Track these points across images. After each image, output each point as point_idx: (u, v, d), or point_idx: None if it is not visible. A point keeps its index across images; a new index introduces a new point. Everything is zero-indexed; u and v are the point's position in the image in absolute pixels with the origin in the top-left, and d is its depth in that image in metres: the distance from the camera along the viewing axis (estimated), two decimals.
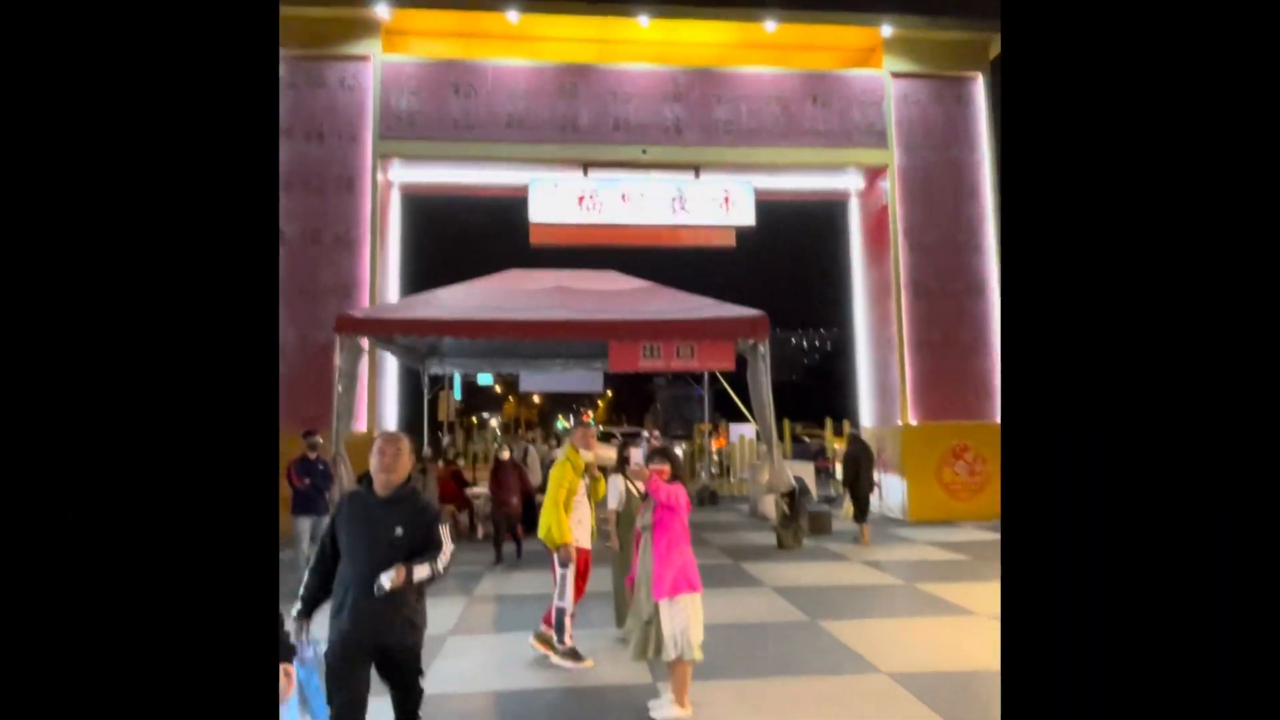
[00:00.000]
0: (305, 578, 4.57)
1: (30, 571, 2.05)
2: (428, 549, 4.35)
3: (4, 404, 2.06)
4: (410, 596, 4.34)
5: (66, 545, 2.07)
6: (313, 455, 10.08)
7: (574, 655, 6.69)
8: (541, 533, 6.93)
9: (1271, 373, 2.09)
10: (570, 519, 7.00)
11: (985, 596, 9.05)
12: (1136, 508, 2.14)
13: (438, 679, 6.25)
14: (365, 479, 4.44)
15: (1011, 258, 2.27)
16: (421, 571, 4.22)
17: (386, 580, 4.19)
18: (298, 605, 4.48)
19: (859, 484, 13.56)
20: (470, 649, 7.21)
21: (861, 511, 13.42)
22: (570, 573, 6.87)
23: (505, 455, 12.62)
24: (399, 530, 4.29)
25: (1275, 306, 2.10)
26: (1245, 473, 2.08)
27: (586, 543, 7.26)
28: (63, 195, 2.15)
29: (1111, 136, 2.21)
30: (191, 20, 2.28)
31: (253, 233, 2.27)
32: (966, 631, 7.60)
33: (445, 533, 4.41)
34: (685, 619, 5.39)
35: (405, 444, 4.52)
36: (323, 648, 4.39)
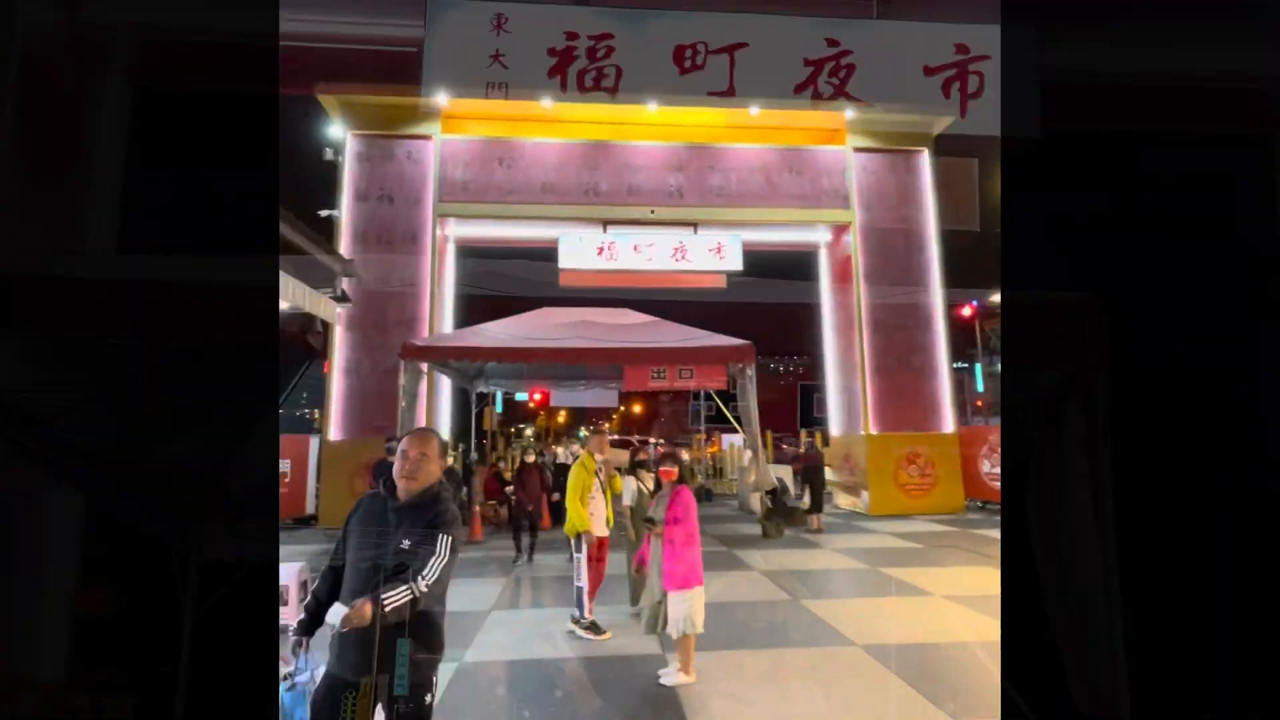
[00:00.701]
0: (313, 589, 3.56)
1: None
2: (419, 561, 3.31)
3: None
4: (397, 626, 3.18)
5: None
6: (391, 459, 10.24)
7: (594, 628, 6.79)
8: (566, 524, 7.22)
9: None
10: (586, 511, 7.23)
11: (939, 579, 9.10)
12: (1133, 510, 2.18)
13: (480, 649, 6.41)
14: (389, 481, 3.57)
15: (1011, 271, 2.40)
16: (396, 599, 3.15)
17: (338, 617, 3.13)
18: (297, 619, 3.49)
19: (815, 483, 14.20)
20: (509, 623, 7.22)
21: (817, 504, 14.02)
22: (584, 556, 7.08)
23: (530, 459, 12.87)
24: (406, 543, 3.31)
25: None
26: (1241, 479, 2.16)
27: (601, 531, 7.49)
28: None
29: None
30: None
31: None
32: (924, 609, 7.65)
33: (446, 544, 3.33)
34: (690, 607, 5.48)
35: (434, 445, 3.54)
36: (321, 672, 3.39)
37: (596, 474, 7.43)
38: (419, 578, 3.31)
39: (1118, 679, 3.89)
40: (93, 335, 3.51)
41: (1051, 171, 11.57)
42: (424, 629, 3.40)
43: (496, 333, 12.88)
